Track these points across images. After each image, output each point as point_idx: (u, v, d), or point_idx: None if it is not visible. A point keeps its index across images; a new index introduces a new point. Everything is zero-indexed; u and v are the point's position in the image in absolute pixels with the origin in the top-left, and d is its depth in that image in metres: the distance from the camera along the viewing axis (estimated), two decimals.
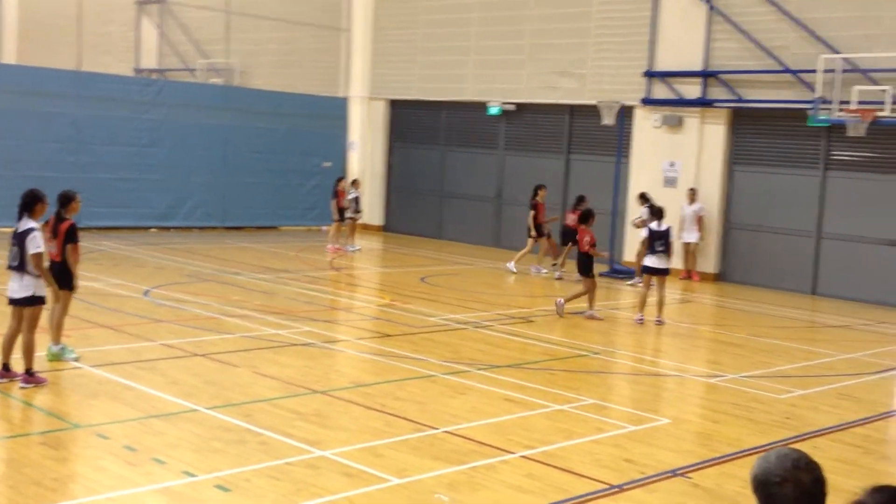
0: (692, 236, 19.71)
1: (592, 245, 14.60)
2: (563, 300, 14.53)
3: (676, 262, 19.18)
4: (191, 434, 7.71)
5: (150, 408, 8.38)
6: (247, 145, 24.37)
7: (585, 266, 14.65)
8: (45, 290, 9.01)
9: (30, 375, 8.88)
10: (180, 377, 9.50)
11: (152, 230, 22.90)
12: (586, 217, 14.83)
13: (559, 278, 18.72)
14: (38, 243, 8.77)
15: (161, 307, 13.23)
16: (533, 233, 19.25)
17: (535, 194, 19.34)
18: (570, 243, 18.57)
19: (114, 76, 24.73)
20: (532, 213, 19.27)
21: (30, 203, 8.95)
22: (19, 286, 8.86)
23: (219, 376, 9.65)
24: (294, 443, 7.57)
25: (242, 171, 24.29)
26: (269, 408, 8.56)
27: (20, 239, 8.79)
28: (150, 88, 23.48)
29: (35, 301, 8.91)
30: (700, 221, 19.66)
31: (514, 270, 19.23)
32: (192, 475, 6.78)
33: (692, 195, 19.70)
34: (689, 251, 19.88)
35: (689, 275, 19.90)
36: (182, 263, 17.72)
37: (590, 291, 14.55)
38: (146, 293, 14.20)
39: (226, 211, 24.17)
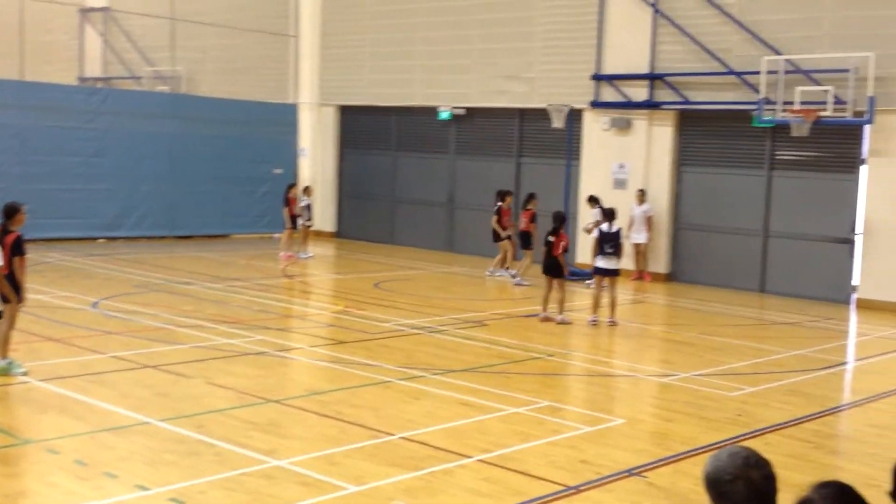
0: (641, 237, 19.91)
1: (565, 250, 14.66)
2: (559, 316, 14.46)
3: (627, 263, 19.38)
4: (143, 447, 7.60)
5: (100, 421, 8.25)
6: (195, 153, 24.11)
7: (557, 269, 14.67)
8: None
9: None
10: (131, 389, 9.37)
11: (100, 241, 22.57)
12: (562, 220, 14.88)
13: (515, 281, 18.80)
14: None
15: (110, 319, 13.04)
16: (503, 234, 19.27)
17: (502, 200, 19.37)
18: (529, 248, 18.80)
19: (57, 85, 24.37)
20: (495, 217, 19.33)
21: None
22: None
23: (171, 388, 9.53)
24: (249, 453, 7.50)
25: (191, 179, 24.03)
26: (223, 418, 8.47)
27: None
28: (95, 97, 23.16)
29: None
30: (649, 222, 19.87)
31: (514, 274, 19.12)
32: (145, 489, 6.68)
33: (641, 196, 19.91)
34: (640, 252, 20.09)
35: (640, 275, 20.09)
36: (131, 274, 17.48)
37: (563, 294, 14.60)
38: (95, 305, 13.99)
39: (175, 220, 23.91)
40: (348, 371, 10.60)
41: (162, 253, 21.18)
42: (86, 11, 31.86)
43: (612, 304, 14.52)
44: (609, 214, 14.76)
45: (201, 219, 24.38)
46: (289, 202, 20.97)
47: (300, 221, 21.12)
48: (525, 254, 19.01)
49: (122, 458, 7.31)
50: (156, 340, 11.74)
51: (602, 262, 14.51)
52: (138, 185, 23.16)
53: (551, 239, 14.60)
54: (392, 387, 9.94)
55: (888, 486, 3.42)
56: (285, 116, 26.06)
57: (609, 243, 14.43)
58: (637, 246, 20.01)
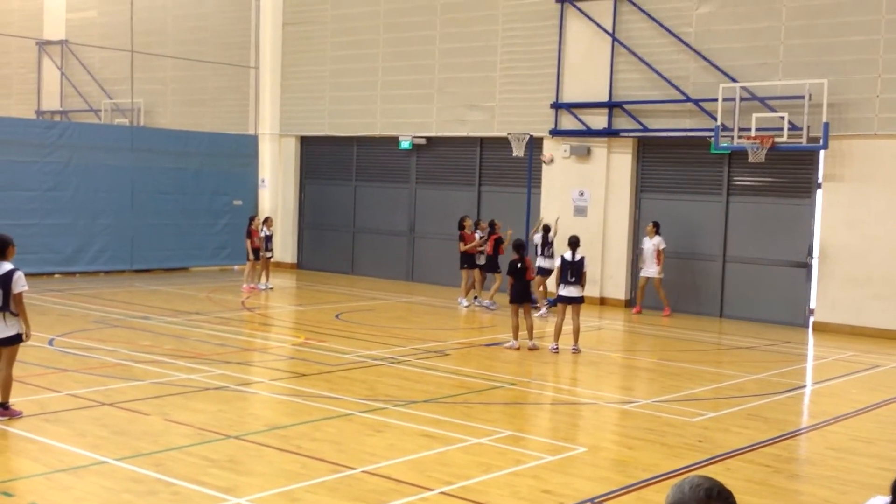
0: (651, 270, 19.24)
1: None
2: (530, 342, 14.53)
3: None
4: (99, 487, 7.47)
5: (56, 462, 8.10)
6: (155, 186, 23.93)
7: (528, 295, 14.76)
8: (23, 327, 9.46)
9: (5, 409, 9.32)
10: (88, 428, 9.22)
11: (56, 276, 22.28)
12: (524, 248, 14.99)
13: (489, 307, 18.96)
14: (23, 282, 9.35)
15: (67, 356, 12.85)
16: (465, 264, 19.49)
17: (461, 227, 19.60)
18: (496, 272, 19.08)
19: (14, 119, 24.13)
20: (460, 243, 19.53)
21: (3, 247, 9.48)
22: (5, 326, 9.28)
23: (128, 425, 9.39)
24: (207, 491, 7.39)
25: (150, 212, 23.83)
26: (181, 456, 8.36)
27: (3, 281, 9.23)
28: (53, 131, 22.91)
29: (19, 339, 9.42)
30: (659, 256, 19.14)
31: (466, 304, 19.37)
32: None
33: (652, 229, 19.28)
34: (642, 286, 19.43)
35: (639, 310, 19.50)
36: (88, 309, 17.26)
37: (531, 320, 14.69)
38: (51, 342, 13.78)
39: (134, 253, 23.67)
40: (309, 404, 10.51)
41: (120, 287, 20.95)
42: (43, 44, 31.66)
43: (576, 332, 14.55)
44: (572, 244, 14.76)
45: (161, 252, 24.16)
46: (251, 234, 20.93)
47: (261, 253, 21.05)
48: (495, 277, 19.24)
49: (79, 498, 7.18)
50: (113, 377, 11.58)
51: (564, 291, 14.56)
52: (96, 219, 22.92)
53: (520, 266, 14.63)
54: (354, 419, 9.87)
55: None
56: (246, 148, 25.98)
57: (570, 272, 14.47)
58: (648, 280, 19.32)
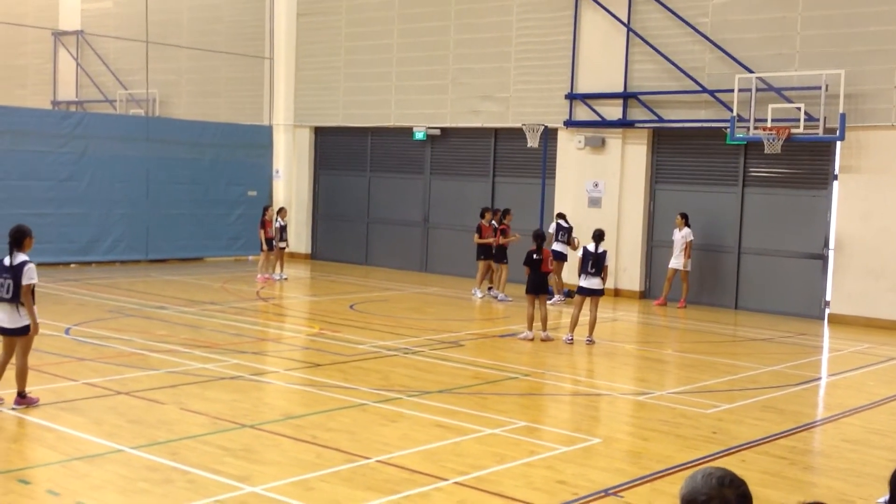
0: (678, 262, 19.10)
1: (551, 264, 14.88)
2: (543, 332, 14.54)
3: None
4: (115, 475, 7.52)
5: (72, 450, 8.15)
6: (170, 176, 23.99)
7: (544, 286, 14.77)
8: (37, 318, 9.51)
9: (22, 398, 9.39)
10: (104, 417, 9.27)
11: (72, 266, 22.39)
12: (543, 238, 15.00)
13: (501, 300, 18.94)
14: (32, 275, 9.30)
15: (83, 345, 12.92)
16: (481, 255, 19.50)
17: (482, 216, 19.60)
18: (503, 262, 19.01)
19: (30, 109, 24.24)
20: (476, 235, 19.50)
21: (20, 238, 9.42)
22: (15, 317, 9.32)
23: (144, 414, 9.44)
24: (223, 479, 7.43)
25: (166, 202, 23.90)
26: (197, 444, 8.40)
27: (15, 272, 9.23)
28: (69, 121, 22.99)
29: (29, 329, 9.42)
30: (688, 248, 18.98)
31: (481, 295, 19.38)
32: None
33: (680, 220, 19.10)
34: (670, 278, 19.26)
35: (664, 301, 19.34)
36: (104, 299, 17.35)
37: (545, 311, 14.70)
38: (67, 331, 13.86)
39: (149, 243, 23.75)
40: (324, 394, 10.54)
41: (136, 277, 21.04)
42: (59, 34, 31.75)
43: (592, 324, 14.52)
44: (597, 236, 14.70)
45: (176, 242, 24.24)
46: (264, 224, 20.99)
47: (275, 243, 21.10)
48: (501, 268, 19.19)
49: (96, 486, 7.23)
50: (129, 366, 11.64)
51: (584, 282, 14.53)
52: (112, 209, 23.01)
53: (537, 257, 14.63)
54: (368, 409, 9.89)
55: (861, 503, 3.45)
56: (260, 138, 26.02)
57: (591, 263, 14.44)
58: (674, 271, 19.17)
